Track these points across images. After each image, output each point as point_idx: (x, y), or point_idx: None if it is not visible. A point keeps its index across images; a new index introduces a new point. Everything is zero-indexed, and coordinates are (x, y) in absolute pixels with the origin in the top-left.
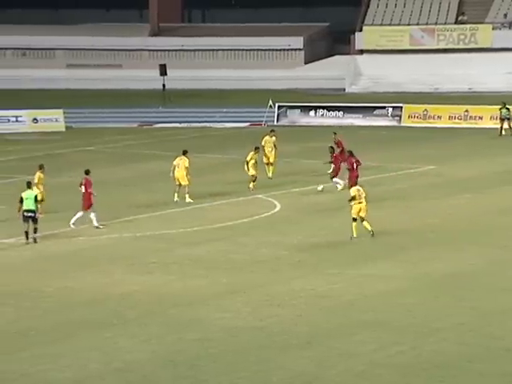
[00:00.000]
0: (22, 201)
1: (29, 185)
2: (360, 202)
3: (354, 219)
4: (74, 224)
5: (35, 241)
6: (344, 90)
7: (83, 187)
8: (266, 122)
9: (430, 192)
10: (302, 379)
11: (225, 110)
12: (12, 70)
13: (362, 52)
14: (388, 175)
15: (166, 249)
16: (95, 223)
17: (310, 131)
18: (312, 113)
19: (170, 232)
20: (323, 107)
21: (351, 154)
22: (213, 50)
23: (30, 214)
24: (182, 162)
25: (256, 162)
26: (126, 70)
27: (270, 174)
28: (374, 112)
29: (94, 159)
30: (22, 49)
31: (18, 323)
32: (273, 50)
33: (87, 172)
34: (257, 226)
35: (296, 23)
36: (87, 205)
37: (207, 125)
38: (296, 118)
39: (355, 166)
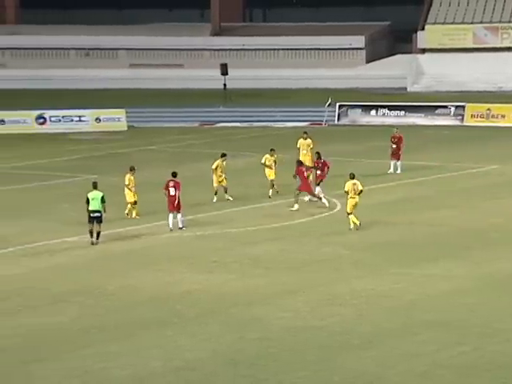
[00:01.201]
0: (88, 201)
1: (94, 185)
2: (353, 198)
3: (349, 214)
4: (184, 227)
5: (93, 243)
6: (406, 89)
7: (172, 189)
8: (326, 121)
9: (493, 191)
10: (364, 379)
11: (286, 109)
12: (75, 70)
13: (424, 51)
14: (450, 175)
15: (226, 248)
16: (180, 224)
17: (371, 130)
18: (373, 112)
19: (230, 231)
20: (384, 106)
21: (319, 155)
22: (274, 49)
23: (96, 215)
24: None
25: (275, 162)
26: (187, 69)
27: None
28: (436, 111)
29: (155, 158)
30: (86, 49)
31: (81, 321)
32: (334, 49)
33: (175, 174)
34: (318, 225)
35: (357, 22)
36: (178, 207)
37: (268, 124)
38: (357, 117)
39: (325, 169)
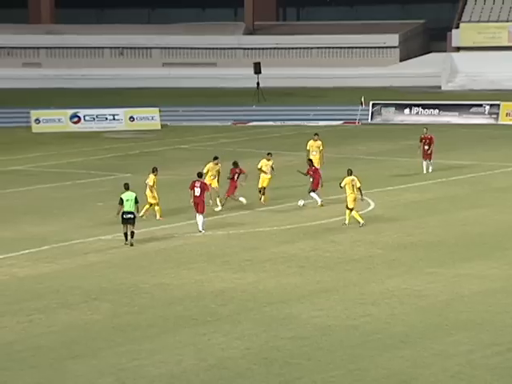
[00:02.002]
0: (121, 202)
1: (126, 186)
2: (352, 193)
3: (349, 209)
4: (203, 229)
5: (132, 244)
6: (440, 87)
7: (198, 189)
8: (359, 119)
9: None
10: (397, 378)
11: (319, 108)
12: (110, 69)
13: (458, 49)
14: (484, 174)
15: (260, 247)
16: (201, 227)
17: (404, 129)
18: (407, 111)
19: (263, 230)
20: (418, 105)
21: (236, 165)
22: (307, 48)
23: (129, 216)
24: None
25: (272, 168)
26: (220, 68)
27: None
28: (471, 110)
29: (188, 157)
30: (120, 48)
31: (116, 319)
32: (368, 47)
33: (200, 175)
34: (351, 223)
35: (392, 20)
36: (201, 208)
37: (301, 123)
38: (390, 115)
39: (236, 177)
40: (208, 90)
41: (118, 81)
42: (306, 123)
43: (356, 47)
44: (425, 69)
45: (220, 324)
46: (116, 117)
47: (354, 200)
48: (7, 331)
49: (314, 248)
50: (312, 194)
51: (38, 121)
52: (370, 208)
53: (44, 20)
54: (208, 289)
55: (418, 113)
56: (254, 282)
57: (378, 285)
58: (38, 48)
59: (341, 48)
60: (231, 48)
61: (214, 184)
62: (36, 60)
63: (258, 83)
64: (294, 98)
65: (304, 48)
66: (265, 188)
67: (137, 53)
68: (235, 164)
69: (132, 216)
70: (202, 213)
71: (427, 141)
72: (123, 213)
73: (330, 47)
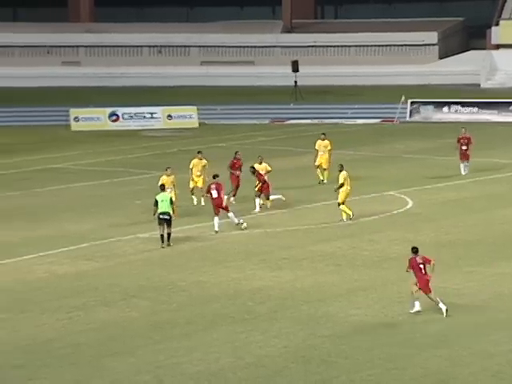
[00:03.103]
0: (156, 203)
1: (162, 187)
2: (347, 188)
3: (341, 204)
4: (217, 231)
5: (169, 245)
6: (479, 85)
7: (214, 192)
8: (398, 118)
9: None
10: (436, 378)
11: (357, 106)
12: (148, 68)
13: (498, 47)
14: None
15: (297, 245)
16: (236, 220)
17: (443, 127)
18: (445, 109)
19: (301, 228)
20: (457, 103)
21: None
22: (345, 46)
23: (165, 217)
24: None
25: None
26: (258, 66)
27: (322, 178)
28: (510, 108)
29: (225, 156)
30: (158, 46)
31: (154, 316)
32: (406, 45)
33: (216, 176)
34: (388, 222)
35: (430, 18)
36: (225, 207)
37: (339, 121)
38: (429, 114)
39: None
40: (246, 88)
41: (156, 79)
42: (343, 121)
43: (394, 45)
44: (464, 66)
45: (257, 322)
46: (154, 115)
47: (347, 196)
48: (47, 328)
49: (351, 246)
50: (271, 196)
51: (77, 119)
52: (408, 206)
53: (83, 19)
54: (245, 287)
55: (456, 111)
56: (291, 280)
57: None
58: (78, 47)
59: (379, 46)
60: (269, 46)
61: (200, 183)
62: (75, 59)
63: (295, 81)
64: (331, 96)
65: (342, 46)
66: (324, 168)
67: (175, 51)
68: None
69: (167, 217)
70: (227, 211)
71: (465, 141)
72: (159, 214)
73: (367, 45)
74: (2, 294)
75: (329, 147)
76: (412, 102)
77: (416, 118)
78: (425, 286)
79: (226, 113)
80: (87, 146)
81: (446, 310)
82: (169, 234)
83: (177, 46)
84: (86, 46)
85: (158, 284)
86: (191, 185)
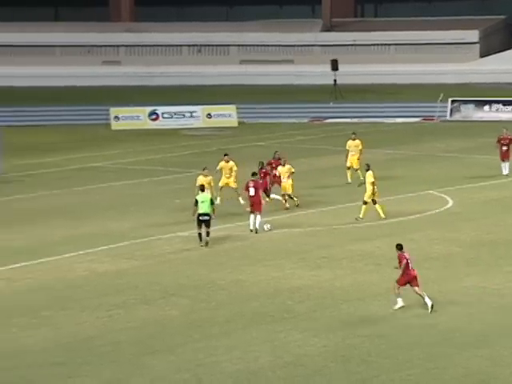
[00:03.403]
0: (196, 203)
1: (202, 188)
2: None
3: (366, 202)
4: (267, 228)
5: (207, 244)
6: None
7: (252, 189)
8: (438, 116)
9: None
10: (476, 378)
11: (396, 104)
12: (188, 67)
13: None
14: None
15: (336, 244)
16: (258, 226)
17: (483, 126)
18: (486, 107)
19: (340, 227)
20: (498, 102)
21: (254, 176)
22: (385, 44)
23: (205, 218)
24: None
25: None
26: (297, 65)
27: (350, 181)
28: None
29: (264, 154)
30: (198, 45)
31: (193, 315)
32: (446, 43)
33: (255, 174)
34: (429, 221)
35: (471, 16)
36: (259, 208)
37: (378, 120)
38: (470, 112)
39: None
40: (285, 87)
41: (195, 78)
42: (383, 120)
43: (434, 43)
44: (505, 65)
45: (297, 321)
46: (194, 114)
47: (375, 194)
48: (87, 326)
49: (390, 245)
50: (272, 195)
51: (117, 118)
52: (448, 206)
53: (124, 18)
54: (284, 286)
55: (497, 109)
56: (330, 279)
57: (457, 283)
58: (118, 46)
59: (419, 44)
60: (308, 45)
61: (231, 184)
62: (116, 58)
63: (335, 80)
64: (371, 94)
65: (382, 44)
66: (356, 169)
67: (214, 50)
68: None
69: (207, 218)
70: (259, 212)
71: (506, 141)
72: (198, 214)
73: (407, 44)
74: (43, 292)
75: (360, 147)
76: (453, 101)
77: (456, 116)
78: (414, 281)
79: (265, 112)
80: (127, 145)
81: (432, 306)
82: (207, 233)
83: (216, 45)
84: (126, 46)
85: (197, 282)
86: (221, 184)
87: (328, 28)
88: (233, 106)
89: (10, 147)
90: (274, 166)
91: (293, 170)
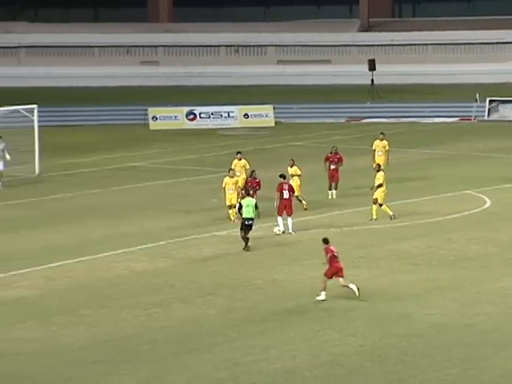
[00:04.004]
0: (240, 208)
1: (247, 192)
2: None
3: (377, 203)
4: (284, 231)
5: (248, 249)
6: None
7: (286, 192)
8: (475, 116)
9: None
10: None
11: (434, 104)
12: (225, 67)
13: None
14: None
15: (374, 244)
16: (290, 229)
17: None
18: None
19: (376, 227)
20: None
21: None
22: (423, 44)
23: (249, 222)
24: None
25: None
26: (334, 65)
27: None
28: None
29: (301, 154)
30: (235, 46)
31: (230, 314)
32: (485, 43)
33: (284, 176)
34: (466, 221)
35: (509, 16)
36: (291, 211)
37: (416, 120)
38: (508, 112)
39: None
40: (322, 87)
41: (232, 78)
42: (420, 120)
43: (473, 43)
44: None
45: (333, 320)
46: (231, 114)
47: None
48: (126, 324)
49: (428, 245)
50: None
51: (155, 118)
52: (486, 205)
53: (162, 19)
54: None
55: None
56: (367, 278)
57: (494, 283)
58: (156, 46)
59: (457, 44)
60: (346, 45)
61: (240, 183)
62: (154, 58)
63: (372, 80)
64: (408, 94)
65: (419, 44)
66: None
67: (252, 50)
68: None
69: (251, 222)
70: (290, 215)
71: None
72: (243, 219)
73: (446, 43)
74: (82, 291)
75: (387, 147)
76: (490, 101)
77: (494, 116)
78: (341, 272)
79: (302, 111)
80: (165, 145)
81: (358, 289)
82: (247, 239)
83: (254, 46)
84: (164, 46)
85: (234, 282)
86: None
87: (365, 28)
88: (270, 106)
89: (50, 147)
90: (331, 160)
91: (299, 172)
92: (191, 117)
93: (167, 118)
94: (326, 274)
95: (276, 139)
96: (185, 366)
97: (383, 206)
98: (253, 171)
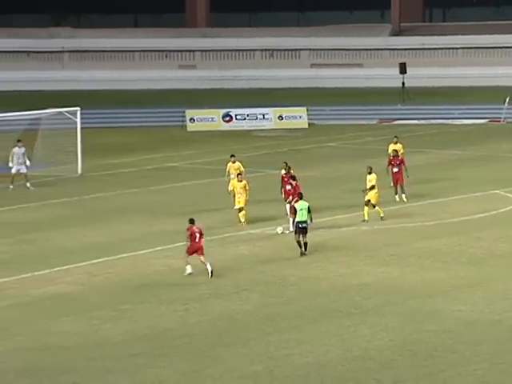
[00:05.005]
0: (295, 212)
1: (301, 196)
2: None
3: (370, 204)
4: (280, 230)
5: (305, 254)
6: None
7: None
8: (504, 118)
9: None
10: None
11: (464, 106)
12: (260, 70)
13: None
14: None
15: (404, 242)
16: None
17: None
18: None
19: (408, 225)
20: None
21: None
22: (453, 48)
23: (303, 226)
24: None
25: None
26: (366, 68)
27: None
28: None
29: (334, 155)
30: (270, 50)
31: (265, 309)
32: None
33: (193, 221)
34: (494, 220)
35: None
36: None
37: (446, 121)
38: None
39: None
40: (354, 89)
41: (267, 81)
42: (450, 122)
43: (502, 47)
44: None
45: (365, 316)
46: (266, 116)
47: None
48: (164, 319)
49: (458, 243)
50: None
51: (192, 120)
52: None
53: (200, 24)
54: (353, 282)
55: None
56: (398, 276)
57: None
58: (194, 51)
59: (486, 48)
60: (377, 49)
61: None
62: (191, 62)
63: (403, 83)
64: (439, 97)
65: (450, 48)
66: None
67: (286, 54)
68: (192, 221)
69: (305, 225)
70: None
71: None
72: (297, 222)
73: (475, 47)
74: (122, 286)
75: (401, 151)
76: None
77: None
78: (199, 250)
79: (335, 113)
80: (202, 146)
81: (212, 272)
82: (305, 243)
83: (288, 50)
84: (201, 50)
85: (269, 278)
86: (230, 187)
87: (397, 32)
88: (303, 108)
89: (92, 148)
90: (393, 163)
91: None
92: (227, 118)
93: (204, 119)
94: (187, 252)
95: (309, 140)
96: (221, 359)
97: (376, 208)
98: (289, 167)
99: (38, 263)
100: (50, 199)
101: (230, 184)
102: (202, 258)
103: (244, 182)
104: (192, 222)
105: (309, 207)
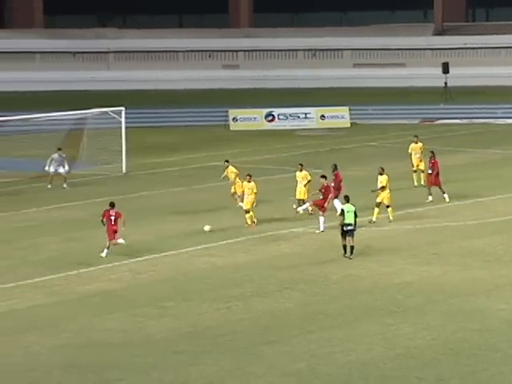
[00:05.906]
0: (342, 213)
1: (347, 199)
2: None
3: (380, 206)
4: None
5: (351, 258)
6: None
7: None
8: None
9: None
10: None
11: (507, 106)
12: (303, 70)
13: None
14: None
15: (446, 240)
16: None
17: None
18: None
19: (450, 225)
20: None
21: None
22: (496, 47)
23: (349, 228)
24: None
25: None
26: (409, 68)
27: (416, 183)
28: None
29: (375, 154)
30: (313, 50)
31: (308, 307)
32: None
33: (113, 205)
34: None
35: None
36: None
37: (489, 121)
38: None
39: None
40: (396, 89)
41: (310, 81)
42: (493, 121)
43: None
44: None
45: (407, 315)
46: (308, 115)
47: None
48: (207, 317)
49: (500, 243)
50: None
51: (235, 119)
52: None
53: (243, 24)
54: (395, 281)
55: None
56: (440, 274)
57: None
58: (237, 51)
59: None
60: (420, 49)
61: (233, 189)
62: (235, 62)
63: (445, 82)
64: (481, 96)
65: (493, 48)
66: (422, 170)
67: (329, 54)
68: (112, 205)
69: (351, 228)
70: (321, 211)
71: None
72: (343, 224)
73: None
74: (165, 284)
75: (422, 149)
76: None
77: None
78: (112, 234)
79: (377, 113)
80: (244, 145)
81: (124, 243)
82: (352, 247)
83: (330, 49)
84: (244, 51)
85: (310, 277)
86: (232, 190)
87: (439, 32)
88: (345, 108)
89: (136, 147)
90: (432, 166)
91: (309, 178)
92: (270, 118)
93: (247, 119)
94: (108, 236)
95: (351, 140)
96: (263, 357)
97: (389, 208)
98: (335, 166)
99: (83, 261)
100: (95, 198)
101: (234, 187)
102: (119, 241)
103: (253, 183)
104: (111, 205)
105: (355, 211)
